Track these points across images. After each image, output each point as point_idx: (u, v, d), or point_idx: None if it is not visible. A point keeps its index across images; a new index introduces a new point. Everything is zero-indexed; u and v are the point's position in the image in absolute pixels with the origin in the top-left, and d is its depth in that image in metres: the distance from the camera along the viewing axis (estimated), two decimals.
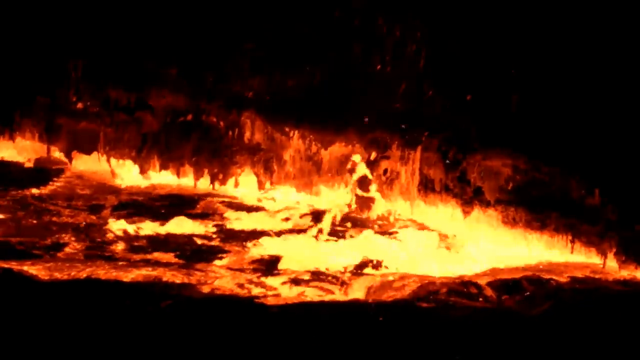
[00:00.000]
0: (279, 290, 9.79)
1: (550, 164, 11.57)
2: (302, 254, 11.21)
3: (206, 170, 14.02)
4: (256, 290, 9.69)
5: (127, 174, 14.65)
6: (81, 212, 12.83)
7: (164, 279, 9.78)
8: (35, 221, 12.24)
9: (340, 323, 8.38)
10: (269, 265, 10.77)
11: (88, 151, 14.85)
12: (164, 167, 14.29)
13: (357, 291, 9.77)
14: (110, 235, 11.73)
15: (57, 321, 7.89)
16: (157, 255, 11.00)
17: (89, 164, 14.94)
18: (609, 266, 11.11)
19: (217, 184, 13.99)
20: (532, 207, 11.76)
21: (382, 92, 12.84)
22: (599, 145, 11.24)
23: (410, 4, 12.59)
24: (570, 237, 11.50)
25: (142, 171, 14.43)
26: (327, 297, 9.68)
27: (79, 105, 14.74)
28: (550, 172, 11.58)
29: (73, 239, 11.37)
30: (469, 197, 12.27)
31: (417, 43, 12.60)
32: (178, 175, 14.22)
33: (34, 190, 13.76)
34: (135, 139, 14.45)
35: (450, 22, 12.31)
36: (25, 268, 9.74)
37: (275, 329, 8.11)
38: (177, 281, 9.75)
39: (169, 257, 10.99)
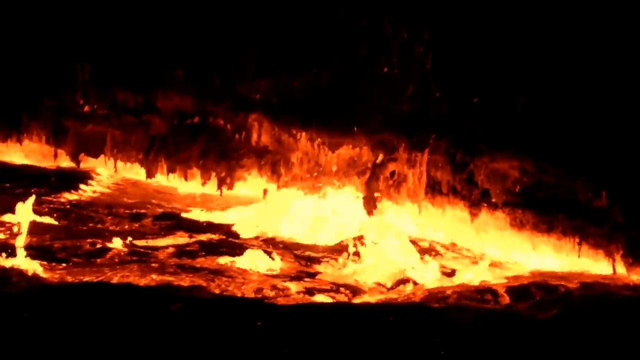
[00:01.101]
0: (295, 295, 9.78)
1: (557, 166, 11.57)
2: (339, 265, 11.16)
3: (213, 174, 14.03)
4: (271, 294, 9.71)
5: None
6: (125, 219, 12.90)
7: (182, 283, 9.79)
8: (83, 227, 12.23)
9: (349, 323, 8.43)
10: (307, 273, 10.78)
11: (95, 154, 14.87)
12: (171, 170, 14.30)
13: (369, 297, 9.80)
14: (160, 243, 11.74)
15: (49, 322, 7.93)
16: (200, 260, 10.95)
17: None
18: (618, 273, 11.10)
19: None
20: (540, 209, 11.75)
21: (389, 94, 12.84)
22: (606, 147, 11.23)
23: (417, 5, 12.59)
24: (577, 240, 11.47)
25: (149, 174, 14.47)
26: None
27: (86, 108, 14.77)
28: (557, 174, 11.58)
29: (120, 245, 11.32)
30: (477, 199, 12.26)
31: (424, 45, 12.60)
32: (185, 178, 14.25)
33: (74, 196, 13.88)
34: (142, 141, 14.49)
35: (457, 24, 12.31)
36: (40, 271, 9.78)
37: (283, 328, 8.15)
38: (200, 284, 9.79)
39: (212, 261, 10.95)
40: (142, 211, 13.57)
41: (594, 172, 11.27)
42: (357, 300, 9.71)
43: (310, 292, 9.84)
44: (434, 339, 8.05)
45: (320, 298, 9.63)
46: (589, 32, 11.52)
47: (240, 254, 11.14)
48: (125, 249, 11.12)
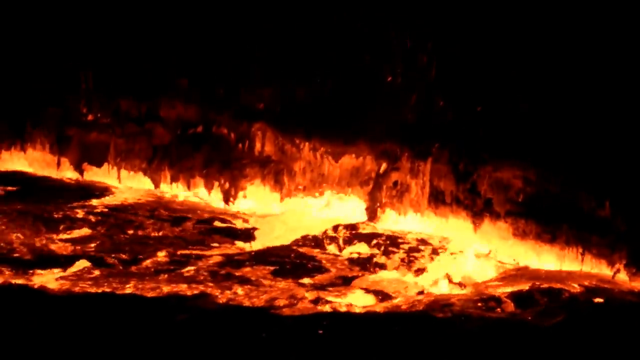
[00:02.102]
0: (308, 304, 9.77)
1: (560, 176, 11.57)
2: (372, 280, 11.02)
3: (216, 183, 14.04)
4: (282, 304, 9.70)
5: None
6: (166, 226, 12.79)
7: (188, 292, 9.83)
8: (123, 236, 12.19)
9: (353, 332, 8.42)
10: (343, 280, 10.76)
11: (98, 163, 14.88)
12: (174, 179, 14.32)
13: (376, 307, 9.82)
14: (209, 252, 11.74)
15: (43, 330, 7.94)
16: (246, 270, 10.92)
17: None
18: (618, 278, 11.09)
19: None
20: (543, 218, 11.74)
21: (393, 103, 12.88)
22: (609, 157, 11.23)
23: (422, 15, 12.63)
24: (580, 250, 11.46)
25: (153, 183, 14.49)
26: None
27: (90, 116, 14.81)
28: (561, 183, 11.58)
29: (162, 254, 11.40)
30: (480, 209, 12.25)
31: (428, 54, 12.63)
32: (189, 187, 14.27)
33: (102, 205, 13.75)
34: (146, 150, 14.52)
35: (461, 33, 12.34)
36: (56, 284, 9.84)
37: (288, 337, 8.15)
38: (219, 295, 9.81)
39: (258, 271, 10.89)
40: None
41: (597, 181, 11.27)
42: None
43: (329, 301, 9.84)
44: (438, 348, 8.04)
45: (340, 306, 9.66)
46: (593, 43, 11.53)
47: (287, 263, 11.25)
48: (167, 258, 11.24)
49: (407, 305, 9.59)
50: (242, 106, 13.86)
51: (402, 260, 11.51)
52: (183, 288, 9.97)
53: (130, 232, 12.34)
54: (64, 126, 14.91)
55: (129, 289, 9.85)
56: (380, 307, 9.62)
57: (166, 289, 9.90)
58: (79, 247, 11.45)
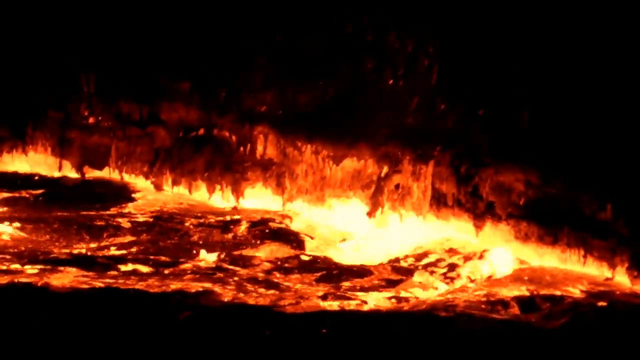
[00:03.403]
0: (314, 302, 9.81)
1: (562, 179, 11.58)
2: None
3: (218, 187, 14.04)
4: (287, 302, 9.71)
5: None
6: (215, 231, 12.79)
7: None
8: (170, 241, 12.27)
9: (356, 331, 8.42)
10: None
11: (100, 166, 14.89)
12: (176, 182, 14.32)
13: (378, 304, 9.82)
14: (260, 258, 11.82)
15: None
16: (294, 277, 10.98)
17: None
18: (617, 281, 11.11)
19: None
20: (544, 221, 11.75)
21: (394, 106, 12.90)
22: (611, 160, 11.25)
23: (423, 18, 12.68)
24: (582, 252, 11.47)
25: (155, 186, 14.51)
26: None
27: (91, 119, 14.83)
28: (562, 186, 11.59)
29: (209, 258, 11.50)
30: (481, 211, 12.26)
31: (429, 58, 12.68)
32: (190, 190, 14.27)
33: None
34: (147, 153, 14.53)
35: (462, 38, 12.38)
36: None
37: (291, 336, 8.15)
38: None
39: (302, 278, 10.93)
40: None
41: (599, 185, 11.28)
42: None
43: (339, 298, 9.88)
44: (440, 348, 8.04)
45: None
46: (593, 46, 11.58)
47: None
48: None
49: (411, 305, 9.60)
50: (244, 109, 13.87)
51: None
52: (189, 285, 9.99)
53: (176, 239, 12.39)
54: (65, 129, 14.92)
55: (139, 285, 9.87)
56: (383, 306, 9.65)
57: (173, 285, 9.91)
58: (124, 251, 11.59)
